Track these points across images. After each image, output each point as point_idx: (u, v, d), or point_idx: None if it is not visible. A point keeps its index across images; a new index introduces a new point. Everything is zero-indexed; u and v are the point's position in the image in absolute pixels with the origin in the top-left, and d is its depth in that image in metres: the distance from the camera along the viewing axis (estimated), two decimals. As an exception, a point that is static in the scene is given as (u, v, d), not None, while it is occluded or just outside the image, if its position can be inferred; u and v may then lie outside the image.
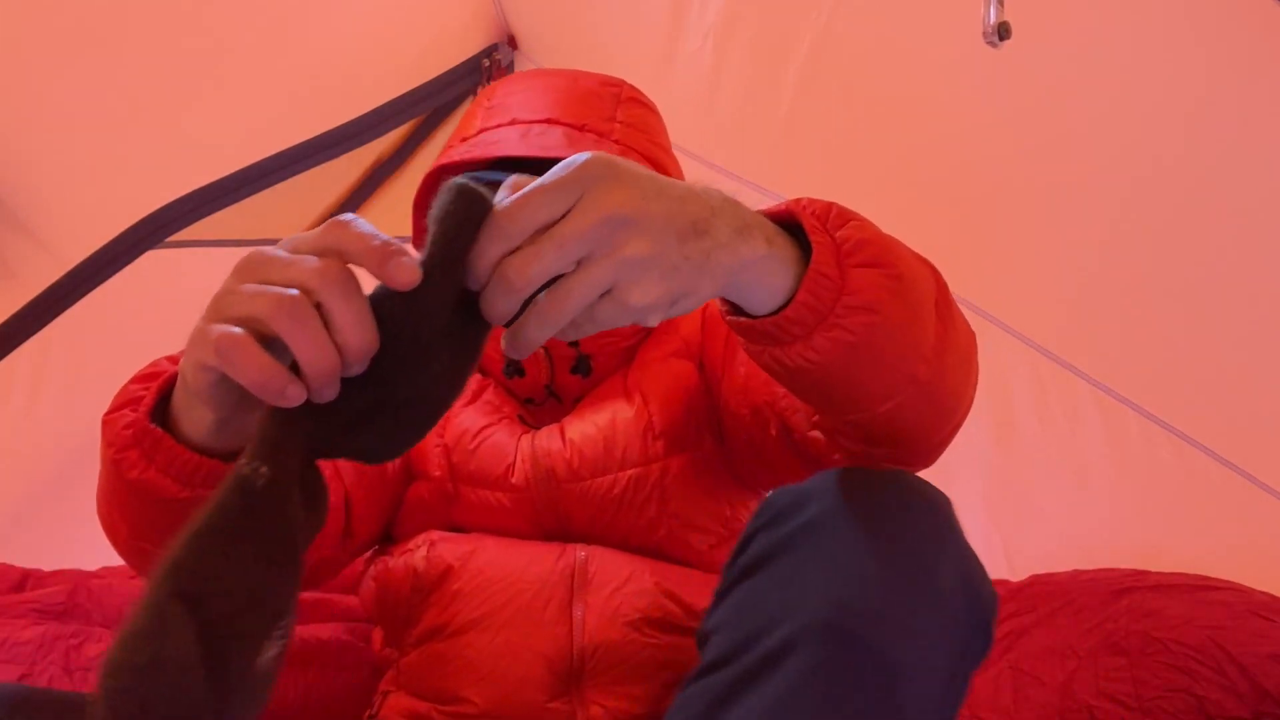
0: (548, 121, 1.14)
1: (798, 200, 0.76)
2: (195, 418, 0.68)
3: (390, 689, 1.06)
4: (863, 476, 0.75)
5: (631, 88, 1.24)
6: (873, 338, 0.73)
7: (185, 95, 1.90)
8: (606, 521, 1.08)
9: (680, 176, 1.20)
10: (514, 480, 1.08)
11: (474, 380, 1.19)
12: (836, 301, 0.71)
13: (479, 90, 2.35)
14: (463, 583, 1.03)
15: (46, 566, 1.71)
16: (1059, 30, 1.44)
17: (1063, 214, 1.63)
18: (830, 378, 0.76)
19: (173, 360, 0.77)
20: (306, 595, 1.55)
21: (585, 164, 0.61)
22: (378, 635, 1.15)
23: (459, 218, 0.60)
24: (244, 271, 0.59)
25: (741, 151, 2.05)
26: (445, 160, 1.16)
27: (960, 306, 1.90)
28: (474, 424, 1.14)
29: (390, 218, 2.36)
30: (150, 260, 2.01)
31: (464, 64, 2.30)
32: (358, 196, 2.37)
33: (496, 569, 1.03)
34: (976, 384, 0.90)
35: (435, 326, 0.60)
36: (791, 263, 0.71)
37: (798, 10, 1.75)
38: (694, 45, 1.93)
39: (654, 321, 0.65)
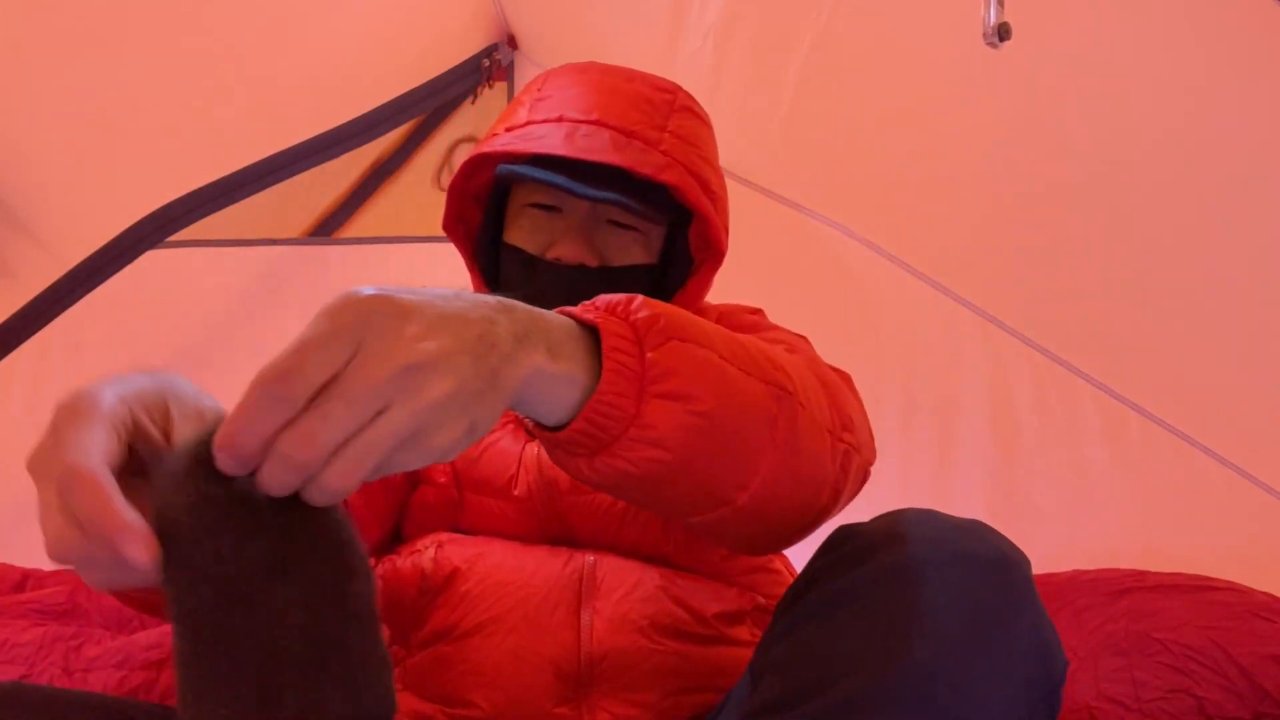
0: (596, 123, 1.09)
1: (615, 304, 0.69)
2: None
3: (395, 689, 1.06)
4: (941, 526, 0.73)
5: (687, 95, 1.20)
6: (661, 473, 0.68)
7: (185, 95, 1.90)
8: (612, 533, 1.06)
9: (724, 193, 1.19)
10: (516, 492, 1.07)
11: None
12: (624, 433, 0.65)
13: (479, 91, 2.35)
14: (470, 585, 1.01)
15: (46, 567, 1.71)
16: (1059, 31, 1.44)
17: (1063, 213, 1.63)
18: (627, 495, 0.74)
19: None
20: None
21: (358, 305, 0.52)
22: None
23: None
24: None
25: (741, 151, 2.05)
26: (488, 149, 1.12)
27: (960, 307, 1.90)
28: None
29: (390, 218, 2.36)
30: (150, 260, 2.01)
31: (464, 64, 2.30)
32: (357, 196, 2.37)
33: (504, 572, 1.02)
34: (850, 489, 0.88)
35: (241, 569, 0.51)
36: (581, 377, 0.64)
37: (798, 10, 1.75)
38: (694, 45, 1.93)
39: (453, 458, 0.62)
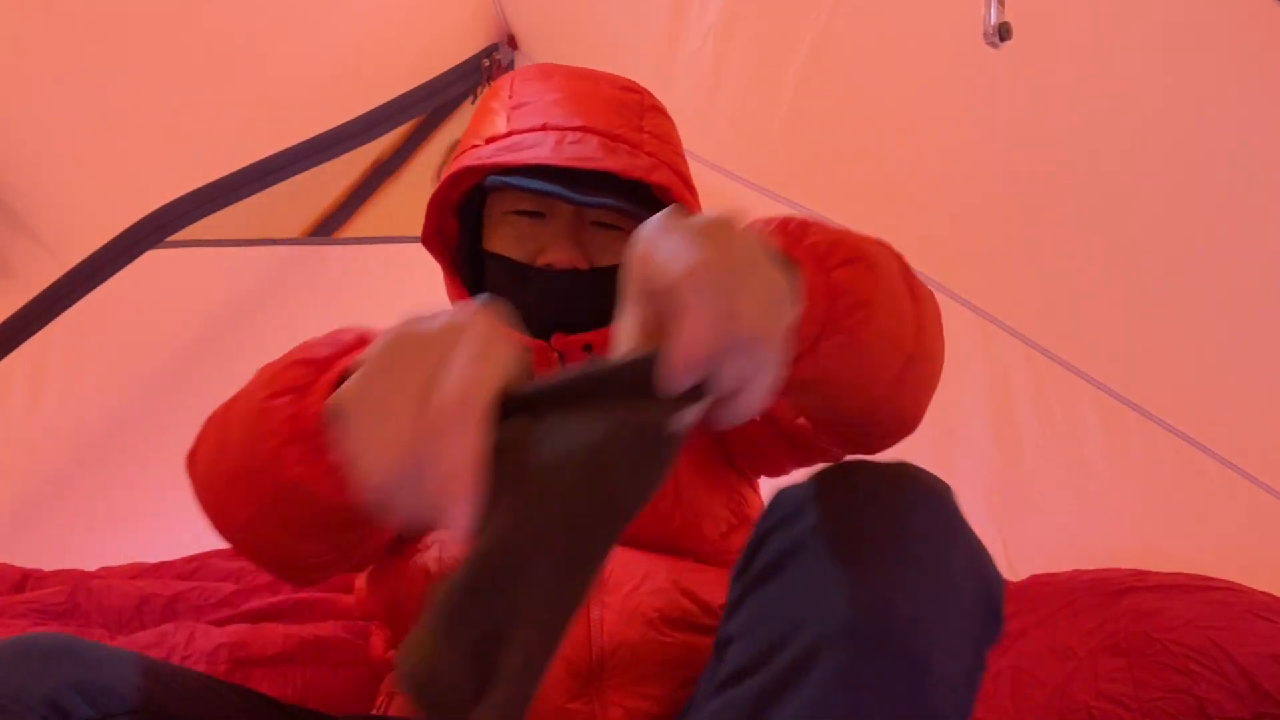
0: (582, 129, 1.11)
1: (755, 222, 0.76)
2: None
3: (397, 690, 1.06)
4: (867, 472, 0.76)
5: (650, 95, 1.22)
6: (870, 330, 0.75)
7: (185, 95, 1.90)
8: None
9: (695, 189, 1.22)
10: None
11: None
12: (833, 306, 0.72)
13: (479, 91, 2.35)
14: None
15: (46, 567, 1.71)
16: (1060, 31, 1.45)
17: (1064, 213, 1.63)
18: (836, 380, 0.78)
19: (346, 345, 0.73)
20: (305, 595, 1.55)
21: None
22: (379, 637, 1.15)
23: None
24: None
25: (741, 151, 2.05)
26: (474, 161, 1.12)
27: (961, 306, 1.90)
28: None
29: (390, 218, 2.36)
30: (150, 260, 2.01)
31: (464, 64, 2.30)
32: (357, 196, 2.37)
33: None
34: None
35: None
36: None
37: (798, 10, 1.75)
38: (694, 45, 1.93)
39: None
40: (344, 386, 0.62)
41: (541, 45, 2.36)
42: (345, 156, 2.18)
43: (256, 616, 1.46)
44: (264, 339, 2.25)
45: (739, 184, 2.07)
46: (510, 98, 1.17)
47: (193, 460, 0.86)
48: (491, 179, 1.11)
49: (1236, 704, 1.00)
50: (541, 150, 1.09)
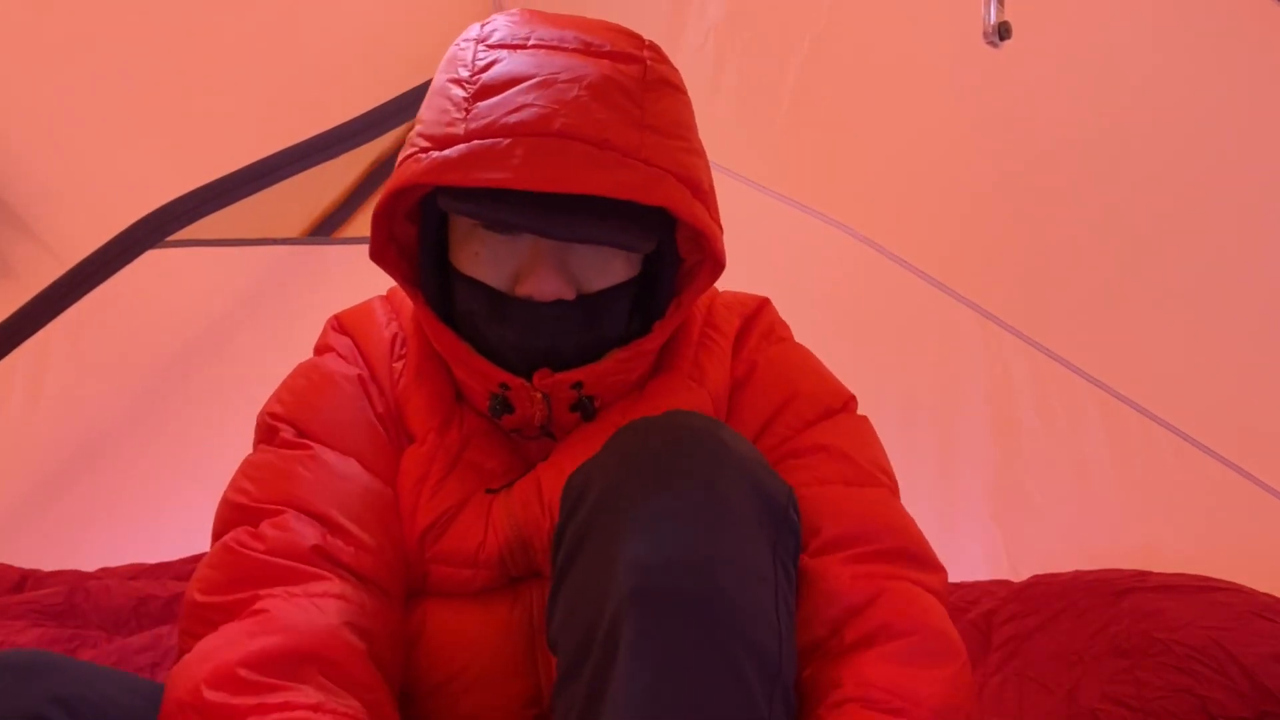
0: (559, 135, 0.88)
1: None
2: None
3: None
4: (634, 430, 0.79)
5: (656, 60, 0.98)
6: None
7: (185, 95, 1.90)
8: None
9: (713, 186, 1.01)
10: (483, 557, 0.95)
11: (446, 444, 0.99)
12: None
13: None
14: (420, 652, 0.95)
15: (45, 567, 1.71)
16: (1059, 30, 1.45)
17: (1064, 213, 1.63)
18: None
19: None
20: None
21: None
22: None
23: None
24: None
25: (742, 149, 2.05)
26: (417, 178, 0.90)
27: (962, 305, 1.90)
28: (446, 503, 0.97)
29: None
30: (150, 260, 2.01)
31: (464, 64, 2.29)
32: (356, 196, 2.36)
33: (451, 633, 0.95)
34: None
35: None
36: None
37: (798, 10, 1.75)
38: (695, 44, 1.93)
39: None
40: None
41: (541, 45, 2.36)
42: (345, 156, 2.17)
43: None
44: (264, 339, 2.27)
45: (739, 182, 2.07)
46: (472, 76, 0.93)
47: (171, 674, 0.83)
48: (443, 201, 0.91)
49: (1239, 703, 1.00)
50: (504, 168, 0.86)
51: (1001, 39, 1.22)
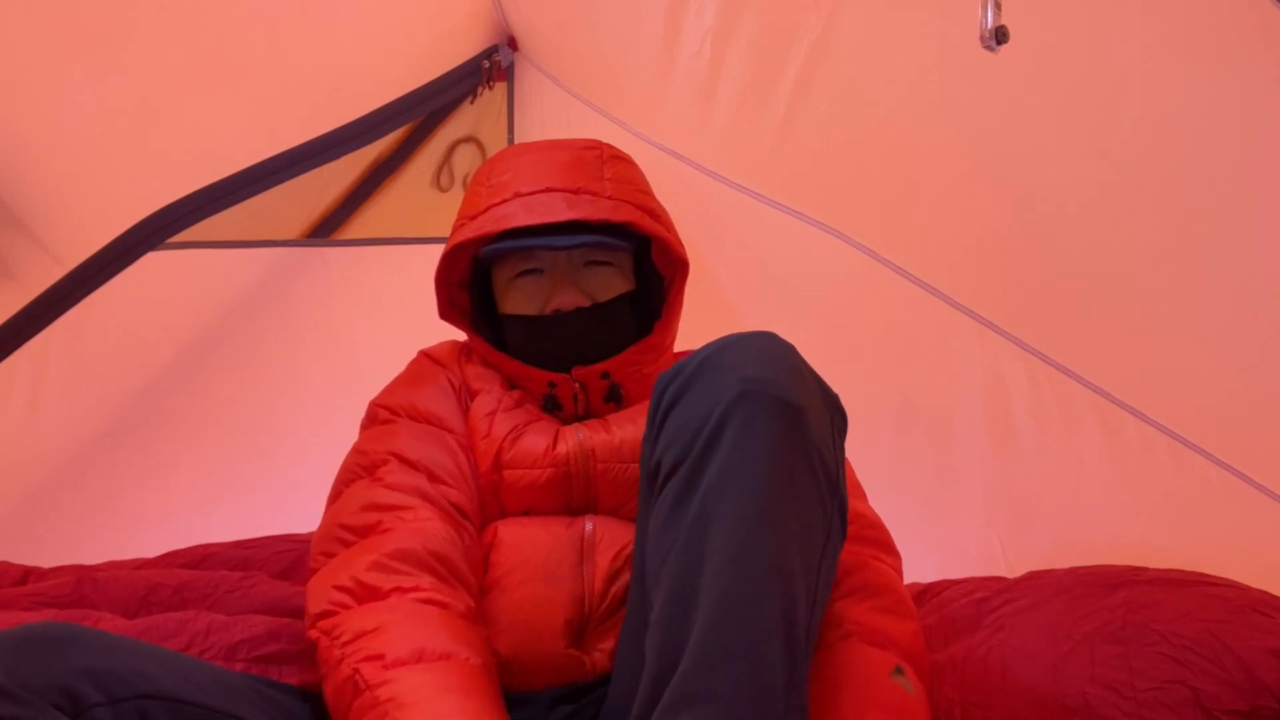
0: (547, 190, 1.31)
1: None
2: None
3: None
4: (734, 336, 0.99)
5: (611, 148, 1.41)
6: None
7: (186, 97, 1.90)
8: (626, 499, 1.24)
9: (667, 214, 1.41)
10: (556, 453, 1.26)
11: (511, 396, 1.35)
12: None
13: (479, 92, 2.36)
14: (491, 558, 1.22)
15: (46, 565, 1.71)
16: (1057, 34, 1.45)
17: (1060, 216, 1.64)
18: None
19: None
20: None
21: None
22: None
23: None
24: None
25: (738, 155, 2.06)
26: (460, 239, 1.33)
27: (957, 311, 1.91)
28: (515, 421, 1.31)
29: (389, 218, 2.37)
30: (151, 261, 2.01)
31: (464, 65, 2.31)
32: (356, 197, 2.38)
33: (515, 543, 1.22)
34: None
35: None
36: None
37: (795, 15, 1.76)
38: (692, 49, 1.94)
39: None
40: None
41: (542, 47, 2.37)
42: (343, 159, 2.19)
43: (269, 608, 1.45)
44: (264, 340, 2.28)
45: (734, 190, 2.08)
46: (489, 179, 1.37)
47: (319, 648, 1.09)
48: (485, 250, 1.33)
49: (1234, 696, 1.00)
50: (513, 216, 1.30)
51: (999, 43, 1.23)
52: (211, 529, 1.81)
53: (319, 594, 1.12)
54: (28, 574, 1.63)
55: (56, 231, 1.95)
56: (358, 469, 1.27)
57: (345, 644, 1.04)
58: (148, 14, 1.75)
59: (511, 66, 2.42)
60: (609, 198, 1.32)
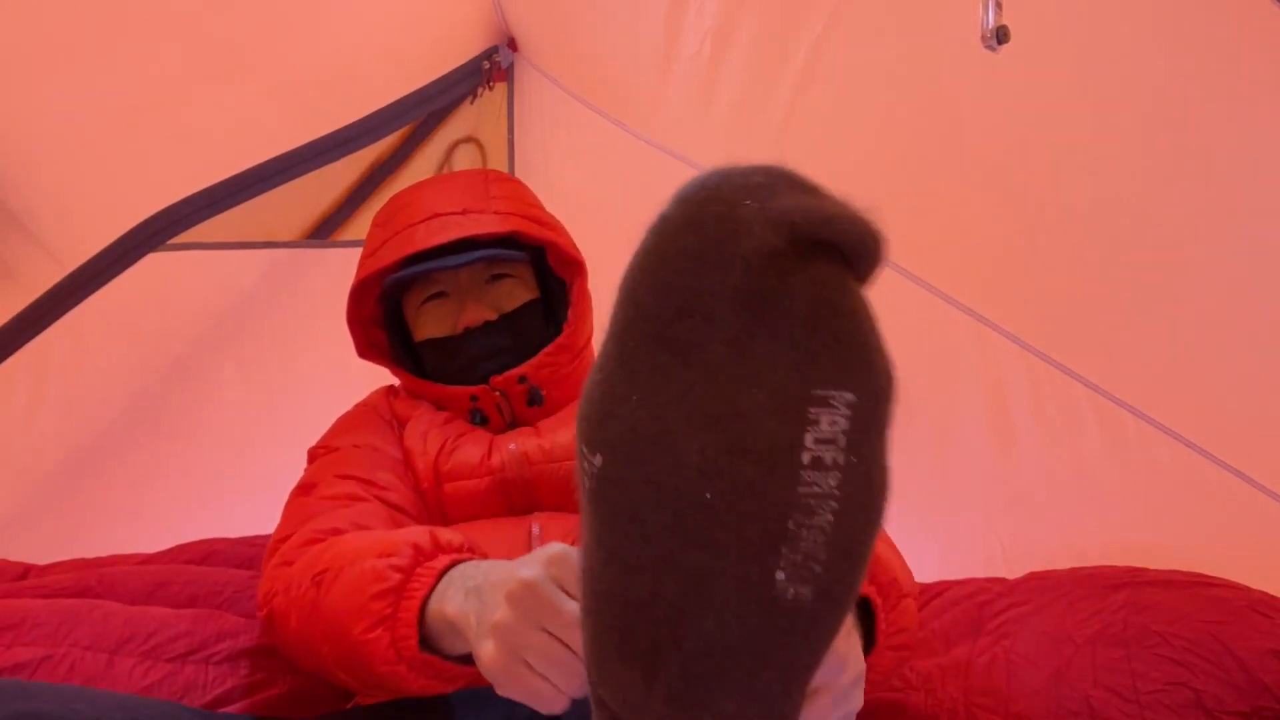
0: (433, 216, 1.37)
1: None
2: (461, 645, 0.83)
3: None
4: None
5: (495, 171, 1.56)
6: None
7: (186, 98, 1.90)
8: (569, 497, 1.26)
9: (558, 221, 1.48)
10: (491, 463, 1.28)
11: (440, 416, 1.39)
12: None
13: (478, 92, 2.36)
14: None
15: (44, 563, 1.70)
16: (1058, 34, 1.45)
17: (1060, 216, 1.64)
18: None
19: (399, 568, 0.89)
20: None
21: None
22: None
23: None
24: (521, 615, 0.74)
25: (737, 156, 2.05)
26: (365, 273, 1.39)
27: (956, 310, 1.91)
28: (447, 435, 1.34)
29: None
30: (152, 263, 2.01)
31: (464, 66, 2.31)
32: (356, 197, 2.38)
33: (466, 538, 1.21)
34: None
35: None
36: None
37: (795, 15, 1.75)
38: (691, 49, 1.94)
39: None
40: (488, 655, 0.75)
41: (542, 48, 2.37)
42: (344, 158, 2.19)
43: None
44: (264, 341, 2.27)
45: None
46: (384, 219, 1.45)
47: (273, 605, 1.05)
48: (387, 280, 1.39)
49: (1235, 697, 1.00)
50: (409, 242, 1.35)
51: (1000, 43, 1.23)
52: (211, 529, 1.81)
53: (263, 586, 1.10)
54: (27, 571, 1.62)
55: (57, 232, 1.94)
56: (294, 493, 1.29)
57: (296, 579, 1.02)
58: (148, 14, 1.74)
59: (511, 67, 2.42)
60: (495, 213, 1.39)
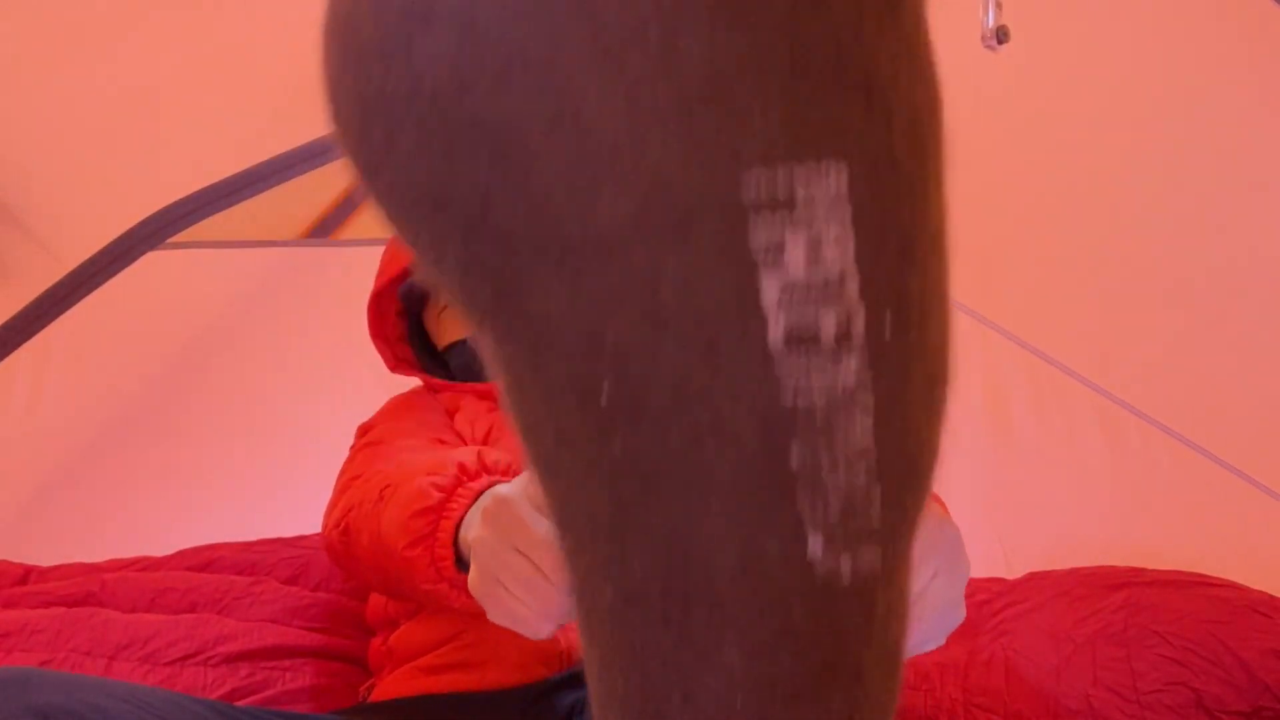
0: None
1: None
2: None
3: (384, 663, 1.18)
4: None
5: None
6: None
7: (186, 97, 1.90)
8: None
9: None
10: None
11: (484, 404, 1.33)
12: None
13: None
14: None
15: (45, 564, 1.70)
16: (1058, 33, 1.45)
17: (1060, 216, 1.64)
18: None
19: (441, 487, 0.87)
20: (320, 595, 1.55)
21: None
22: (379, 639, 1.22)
23: None
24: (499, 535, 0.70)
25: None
26: (379, 285, 1.35)
27: (956, 311, 1.92)
28: (497, 420, 1.29)
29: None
30: (150, 262, 2.01)
31: (464, 67, 2.30)
32: (355, 199, 2.37)
33: None
34: None
35: None
36: None
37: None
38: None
39: None
40: (470, 576, 0.72)
41: (540, 49, 2.36)
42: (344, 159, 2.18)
43: (278, 617, 1.44)
44: (263, 340, 2.27)
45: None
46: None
47: (331, 530, 1.04)
48: (402, 287, 1.36)
49: (1235, 697, 1.00)
50: None
51: (1000, 42, 1.23)
52: (211, 529, 1.81)
53: (334, 507, 1.07)
54: (28, 573, 1.62)
55: (56, 231, 1.94)
56: (360, 447, 1.24)
57: (369, 494, 0.99)
58: (149, 12, 1.74)
59: (511, 66, 2.41)
60: None
